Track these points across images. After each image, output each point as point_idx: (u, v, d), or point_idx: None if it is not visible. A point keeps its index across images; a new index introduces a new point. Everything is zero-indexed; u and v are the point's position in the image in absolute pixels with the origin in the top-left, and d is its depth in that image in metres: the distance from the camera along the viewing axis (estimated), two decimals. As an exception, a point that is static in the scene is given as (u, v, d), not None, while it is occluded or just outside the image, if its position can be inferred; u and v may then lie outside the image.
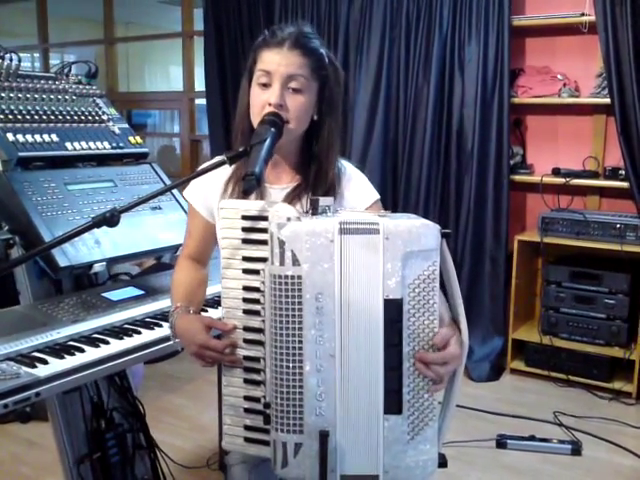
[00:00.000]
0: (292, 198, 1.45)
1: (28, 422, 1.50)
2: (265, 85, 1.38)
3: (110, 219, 1.21)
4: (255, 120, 1.40)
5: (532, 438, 3.00)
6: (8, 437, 3.04)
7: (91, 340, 1.64)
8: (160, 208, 2.10)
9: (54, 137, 1.99)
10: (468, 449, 2.98)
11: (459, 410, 3.22)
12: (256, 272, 1.28)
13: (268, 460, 1.27)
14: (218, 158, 1.35)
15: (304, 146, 1.49)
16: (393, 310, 1.18)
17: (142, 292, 1.95)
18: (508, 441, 2.99)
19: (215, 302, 1.87)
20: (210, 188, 1.52)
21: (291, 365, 1.19)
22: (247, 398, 1.33)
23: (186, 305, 1.44)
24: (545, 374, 3.66)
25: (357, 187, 1.50)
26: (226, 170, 1.47)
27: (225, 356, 1.32)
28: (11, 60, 2.03)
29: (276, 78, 1.37)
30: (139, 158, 2.22)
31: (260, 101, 1.39)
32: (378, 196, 1.52)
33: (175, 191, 2.19)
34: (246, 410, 1.33)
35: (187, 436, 3.11)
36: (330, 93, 1.44)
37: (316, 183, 1.45)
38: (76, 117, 2.11)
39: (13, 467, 2.85)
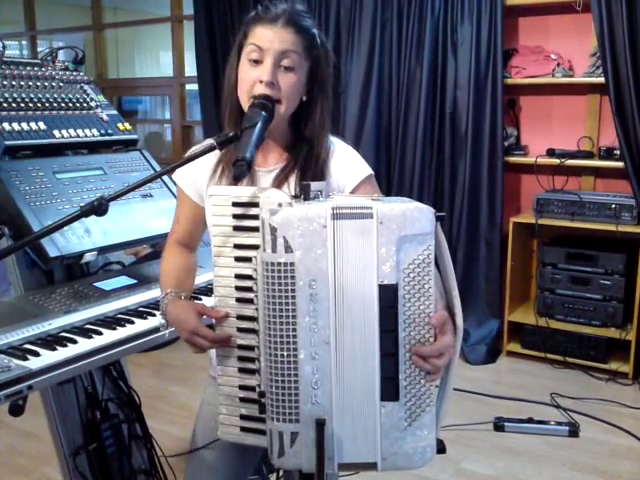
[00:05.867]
0: (280, 180, 1.42)
1: (20, 415, 1.48)
2: (256, 62, 1.34)
3: (98, 208, 1.18)
4: (243, 97, 1.36)
5: (529, 420, 3.01)
6: (4, 428, 3.03)
7: (83, 331, 1.61)
8: (151, 195, 2.07)
9: (41, 125, 1.95)
10: (466, 432, 2.98)
11: (456, 393, 3.22)
12: (248, 259, 1.26)
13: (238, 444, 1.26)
14: (208, 142, 1.32)
15: (293, 128, 1.45)
16: (388, 295, 1.16)
17: (135, 281, 1.92)
18: (506, 424, 3.00)
19: (208, 290, 1.85)
20: (199, 171, 1.49)
21: (285, 353, 1.17)
22: (242, 387, 1.31)
23: (177, 291, 1.42)
24: (541, 356, 3.67)
25: (346, 164, 1.44)
26: (214, 153, 1.44)
27: (216, 343, 1.30)
28: (-5, 47, 1.99)
29: (269, 54, 1.33)
30: (128, 145, 2.19)
31: (250, 78, 1.34)
32: (370, 172, 1.45)
33: (166, 178, 2.16)
34: (241, 399, 1.31)
35: (184, 424, 3.10)
36: (321, 73, 1.40)
37: (306, 165, 1.41)
38: (63, 104, 2.07)
39: (10, 458, 2.84)
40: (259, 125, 1.29)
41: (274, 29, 1.33)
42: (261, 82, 1.33)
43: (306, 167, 1.41)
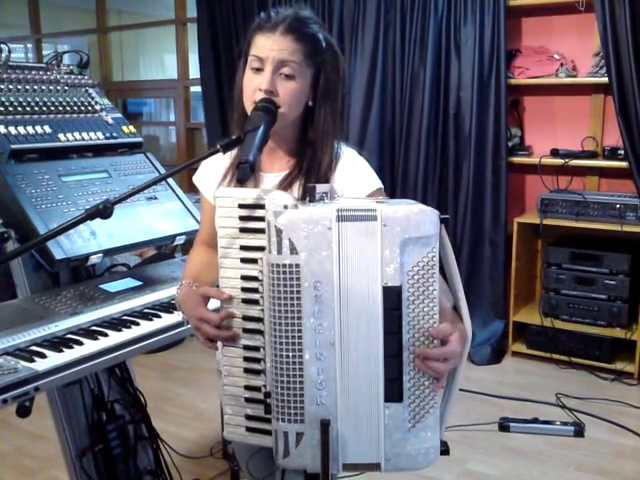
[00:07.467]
0: (285, 186, 1.43)
1: (27, 416, 1.49)
2: (258, 70, 1.36)
3: (103, 211, 1.19)
4: (247, 104, 1.39)
5: (535, 420, 3.01)
6: (11, 430, 3.04)
7: (89, 333, 1.63)
8: (156, 198, 2.08)
9: (47, 128, 1.96)
10: (471, 432, 2.98)
11: (461, 394, 3.20)
12: (254, 261, 1.27)
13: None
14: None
15: (300, 132, 1.46)
16: (392, 297, 1.16)
17: (140, 283, 1.94)
18: (511, 424, 3.00)
19: (214, 292, 1.85)
20: (212, 173, 1.52)
21: (291, 354, 1.18)
22: (247, 387, 1.31)
23: (190, 282, 1.43)
24: (547, 356, 3.66)
25: (352, 175, 1.44)
26: (229, 155, 1.45)
27: (222, 331, 1.30)
28: (1, 51, 2.00)
29: (268, 63, 1.35)
30: (133, 148, 2.20)
31: (252, 86, 1.37)
32: (379, 185, 1.45)
33: (171, 181, 2.17)
34: (247, 400, 1.31)
35: (190, 425, 3.12)
36: (326, 79, 1.40)
37: (309, 170, 1.41)
38: (68, 108, 2.08)
39: (17, 460, 2.86)
40: (261, 128, 1.30)
41: (273, 38, 1.34)
42: (260, 90, 1.35)
43: (310, 173, 1.41)
